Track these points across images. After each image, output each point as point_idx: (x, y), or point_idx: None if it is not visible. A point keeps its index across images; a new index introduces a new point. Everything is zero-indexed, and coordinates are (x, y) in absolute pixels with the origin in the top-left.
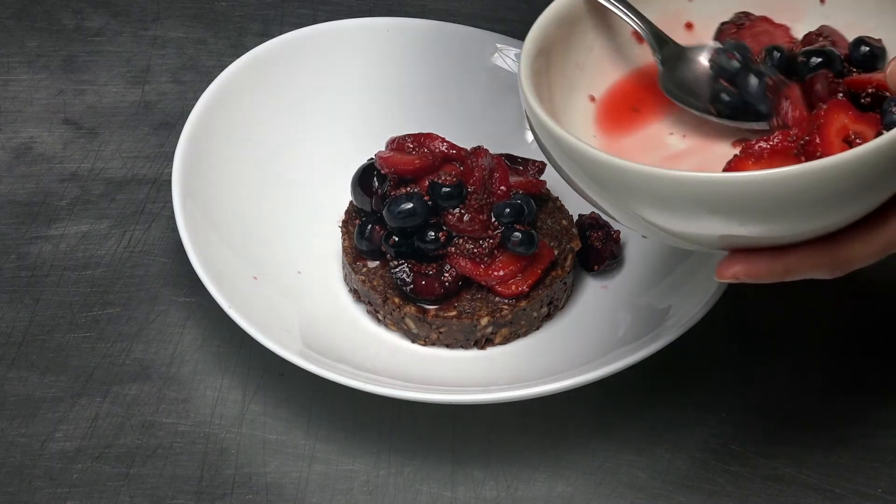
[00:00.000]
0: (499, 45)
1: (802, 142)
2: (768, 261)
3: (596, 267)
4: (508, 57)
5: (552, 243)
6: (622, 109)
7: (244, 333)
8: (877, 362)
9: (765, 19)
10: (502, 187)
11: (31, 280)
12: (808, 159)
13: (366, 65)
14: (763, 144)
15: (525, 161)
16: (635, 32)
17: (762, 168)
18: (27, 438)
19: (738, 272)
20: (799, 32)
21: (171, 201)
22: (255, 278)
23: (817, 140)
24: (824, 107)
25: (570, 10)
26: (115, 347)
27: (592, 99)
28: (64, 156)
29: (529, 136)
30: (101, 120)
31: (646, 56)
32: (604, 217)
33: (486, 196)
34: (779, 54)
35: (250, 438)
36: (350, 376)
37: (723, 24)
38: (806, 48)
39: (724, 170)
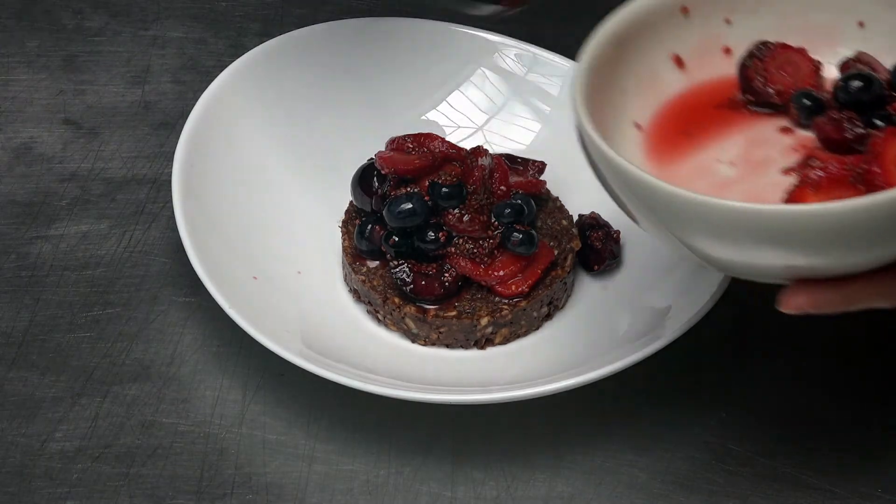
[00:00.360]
0: (499, 45)
1: (860, 171)
2: (832, 291)
3: (596, 267)
4: (508, 57)
5: (552, 243)
6: (669, 136)
7: (244, 333)
8: (877, 363)
9: (784, 46)
10: (502, 187)
11: (31, 280)
12: (868, 189)
13: (366, 65)
14: (819, 173)
15: (525, 161)
16: (676, 57)
17: (823, 198)
18: (27, 438)
19: (802, 304)
20: (836, 57)
21: (171, 201)
22: (255, 278)
23: (876, 169)
24: (880, 135)
25: (619, 32)
26: (115, 347)
27: (638, 126)
28: (64, 156)
29: (529, 137)
30: (101, 120)
31: (688, 79)
32: (671, 252)
33: (486, 196)
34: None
35: (250, 438)
36: (350, 376)
37: (744, 60)
38: (847, 73)
39: (785, 201)
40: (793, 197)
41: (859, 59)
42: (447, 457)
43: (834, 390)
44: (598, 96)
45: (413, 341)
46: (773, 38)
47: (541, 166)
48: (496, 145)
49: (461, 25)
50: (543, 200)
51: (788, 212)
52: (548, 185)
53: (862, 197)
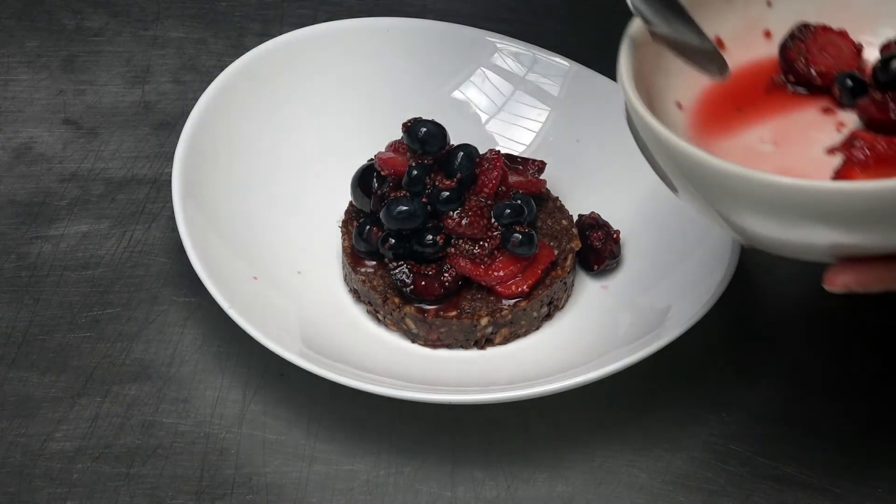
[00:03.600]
0: (499, 45)
1: None
2: (877, 269)
3: (596, 267)
4: (508, 57)
5: (552, 243)
6: (711, 116)
7: (244, 333)
8: (877, 362)
9: (825, 28)
10: (502, 187)
11: (31, 280)
12: None
13: (366, 65)
14: (866, 152)
15: (525, 161)
16: (717, 39)
17: (870, 177)
18: (27, 438)
19: (848, 282)
20: (877, 38)
21: (171, 201)
22: (255, 278)
23: None
24: None
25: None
26: (115, 347)
27: (679, 106)
28: (64, 156)
29: (529, 136)
30: (101, 120)
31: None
32: (715, 225)
33: (484, 196)
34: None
35: (250, 438)
36: (350, 376)
37: (786, 42)
38: (886, 54)
39: (833, 178)
40: (840, 175)
41: None
42: (447, 457)
43: (834, 390)
44: (642, 77)
45: (413, 341)
46: (813, 20)
47: (541, 166)
48: (496, 145)
49: (461, 25)
50: (543, 200)
51: (838, 188)
52: (548, 185)
53: None
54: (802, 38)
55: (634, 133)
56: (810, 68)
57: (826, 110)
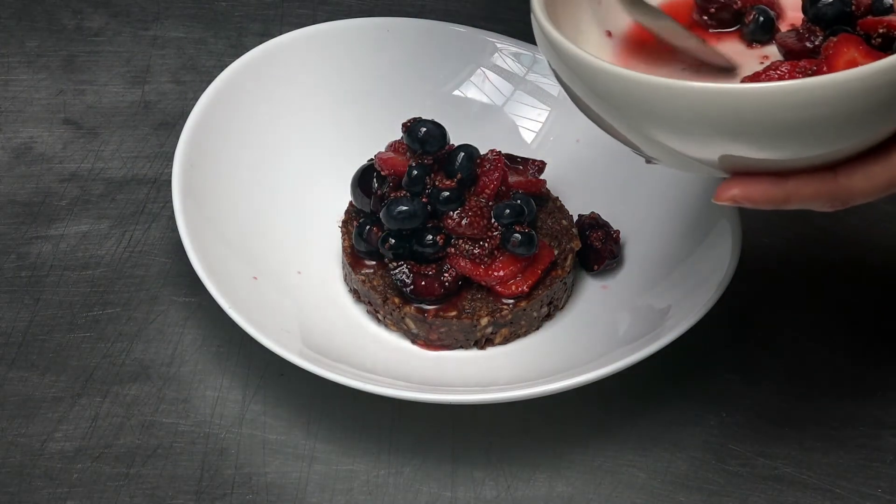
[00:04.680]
0: (499, 45)
1: (811, 71)
2: (768, 185)
3: (596, 267)
4: (508, 57)
5: (552, 243)
6: (638, 46)
7: (244, 333)
8: (877, 362)
9: None
10: (502, 187)
11: (31, 280)
12: None
13: (366, 65)
14: (771, 73)
15: (525, 161)
16: None
17: None
18: (27, 438)
19: (736, 195)
20: None
21: (171, 201)
22: (255, 278)
23: (825, 70)
24: (834, 39)
25: None
26: (115, 347)
27: (609, 34)
28: (64, 156)
29: (529, 136)
30: (101, 120)
31: None
32: (609, 136)
33: (485, 198)
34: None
35: (250, 438)
36: (350, 376)
37: None
38: None
39: None
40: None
41: None
42: (447, 457)
43: (834, 390)
44: (566, 7)
45: (413, 341)
46: None
47: (541, 166)
48: (496, 145)
49: (461, 25)
50: (543, 200)
51: (725, 90)
52: (548, 185)
53: (801, 79)
54: None
55: (550, 62)
56: (717, 10)
57: (747, 44)
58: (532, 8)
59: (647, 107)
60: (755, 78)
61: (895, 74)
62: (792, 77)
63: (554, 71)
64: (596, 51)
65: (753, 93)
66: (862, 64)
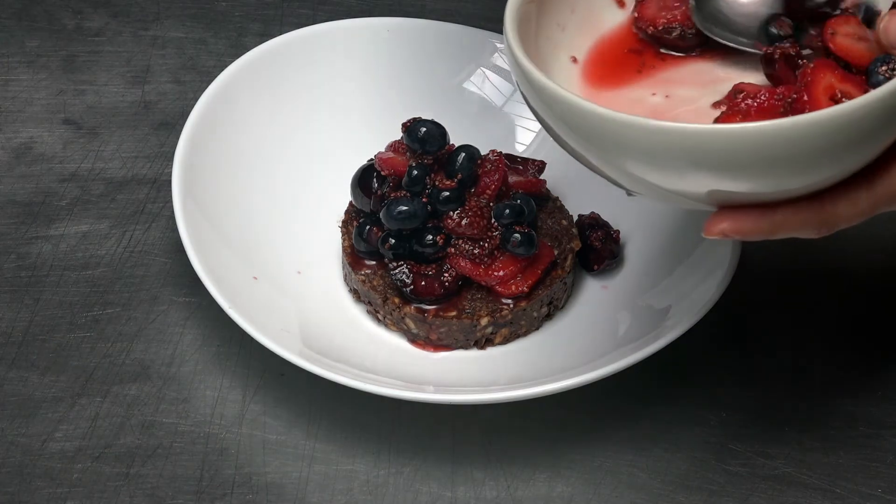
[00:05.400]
0: (499, 45)
1: (790, 100)
2: (756, 218)
3: (596, 267)
4: None
5: (552, 243)
6: (604, 70)
7: (244, 333)
8: (877, 362)
9: None
10: (502, 187)
11: (31, 280)
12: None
13: (366, 65)
14: (750, 102)
15: (525, 161)
16: None
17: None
18: (27, 438)
19: (725, 229)
20: None
21: (171, 201)
22: (255, 278)
23: (805, 98)
24: (811, 65)
25: None
26: (115, 347)
27: (574, 60)
28: (64, 156)
29: (529, 136)
30: (101, 120)
31: (626, 16)
32: (595, 174)
33: (486, 198)
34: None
35: (250, 438)
36: (350, 376)
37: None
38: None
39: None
40: (720, 121)
41: None
42: (447, 457)
43: (834, 390)
44: (535, 30)
45: (412, 342)
46: None
47: (541, 166)
48: (496, 145)
49: (461, 25)
50: (543, 200)
51: (710, 130)
52: (548, 185)
53: (784, 118)
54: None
55: (521, 90)
56: (651, 31)
57: (708, 62)
58: (507, 40)
59: (628, 145)
60: (732, 114)
61: (877, 107)
62: (772, 108)
63: (536, 112)
64: (564, 77)
65: (733, 133)
66: (839, 89)
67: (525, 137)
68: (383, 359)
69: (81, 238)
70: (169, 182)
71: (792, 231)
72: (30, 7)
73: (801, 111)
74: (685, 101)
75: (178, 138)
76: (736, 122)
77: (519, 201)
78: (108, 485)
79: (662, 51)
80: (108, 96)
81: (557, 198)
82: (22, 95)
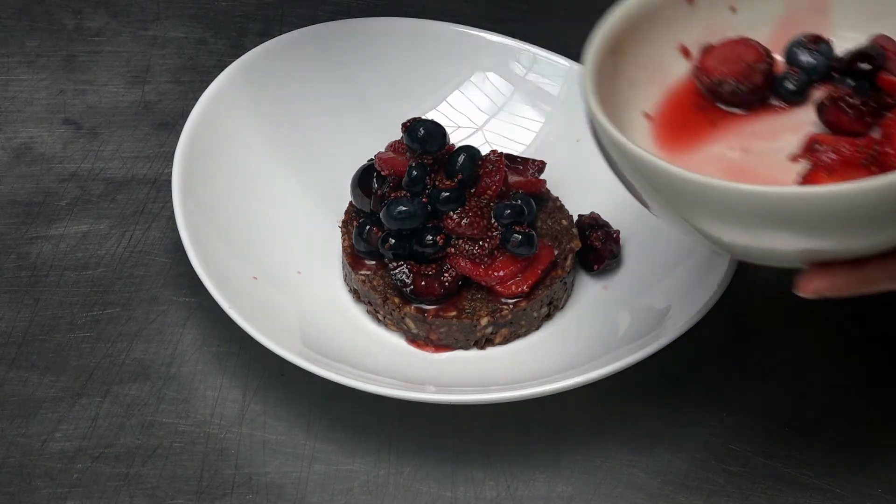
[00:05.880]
0: (499, 45)
1: (873, 152)
2: (848, 274)
3: (596, 267)
4: (508, 57)
5: (552, 243)
6: (677, 126)
7: (244, 333)
8: (877, 362)
9: (728, 43)
10: (502, 187)
11: (31, 280)
12: (881, 170)
13: (366, 65)
14: (832, 156)
15: (525, 161)
16: (682, 47)
17: (837, 180)
18: (27, 438)
19: (820, 288)
20: (846, 42)
21: (171, 201)
22: (255, 278)
23: (889, 150)
24: (892, 116)
25: (625, 22)
26: (115, 347)
27: (647, 116)
28: (64, 156)
29: (529, 136)
30: (101, 120)
31: (690, 67)
32: (689, 238)
33: (486, 199)
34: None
35: (250, 438)
36: (350, 376)
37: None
38: (858, 49)
39: (799, 183)
40: (807, 180)
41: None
42: (447, 457)
43: (834, 390)
44: (607, 87)
45: (412, 342)
46: (779, 20)
47: (541, 166)
48: (496, 145)
49: (461, 25)
50: (543, 200)
51: (806, 193)
52: (548, 185)
53: (880, 176)
54: (705, 54)
55: (601, 147)
56: (717, 84)
57: (778, 109)
58: (585, 98)
59: (724, 209)
60: (817, 170)
61: None
62: (854, 160)
63: (620, 172)
64: (639, 135)
65: (830, 194)
66: None
67: (525, 137)
68: (383, 359)
69: (81, 238)
70: (169, 182)
71: (884, 285)
72: (30, 7)
73: (885, 163)
74: (763, 154)
75: (178, 138)
76: (822, 178)
77: (519, 201)
78: (108, 485)
79: (720, 106)
80: (108, 96)
81: (557, 198)
82: (22, 95)
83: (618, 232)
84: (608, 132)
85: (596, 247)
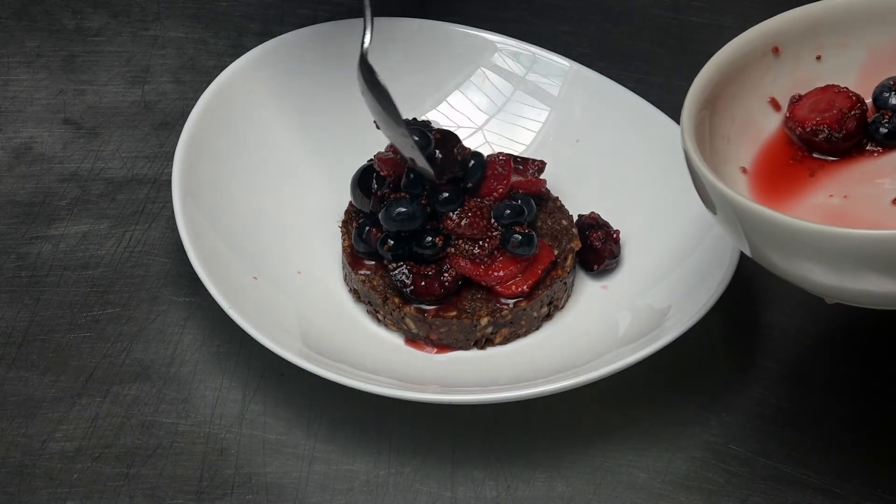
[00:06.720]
0: (499, 45)
1: None
2: None
3: (596, 267)
4: (508, 57)
5: (552, 243)
6: (774, 178)
7: (244, 333)
8: (877, 362)
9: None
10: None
11: (31, 280)
12: None
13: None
14: None
15: (525, 161)
16: (772, 100)
17: None
18: (27, 438)
19: None
20: None
21: (171, 201)
22: (255, 278)
23: None
24: None
25: (715, 80)
26: (115, 347)
27: (744, 171)
28: (64, 156)
29: (529, 136)
30: (101, 120)
31: (781, 119)
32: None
33: (490, 200)
34: None
35: (250, 438)
36: (350, 376)
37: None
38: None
39: None
40: None
41: None
42: (447, 457)
43: (834, 390)
44: (705, 144)
45: (412, 342)
46: (864, 70)
47: (541, 166)
48: (496, 145)
49: (461, 25)
50: (543, 200)
51: None
52: (548, 185)
53: None
54: (794, 104)
55: (708, 203)
56: (810, 133)
57: (874, 154)
58: (687, 153)
59: (844, 260)
60: None
61: None
62: None
63: (727, 224)
64: (739, 189)
65: None
66: None
67: (525, 137)
68: (383, 359)
69: (81, 238)
70: (169, 182)
71: None
72: (30, 7)
73: None
74: (865, 199)
75: (178, 138)
76: None
77: (519, 201)
78: (108, 485)
79: (815, 155)
80: (108, 96)
81: (557, 198)
82: (22, 95)
83: (618, 232)
84: (718, 188)
85: (596, 247)
